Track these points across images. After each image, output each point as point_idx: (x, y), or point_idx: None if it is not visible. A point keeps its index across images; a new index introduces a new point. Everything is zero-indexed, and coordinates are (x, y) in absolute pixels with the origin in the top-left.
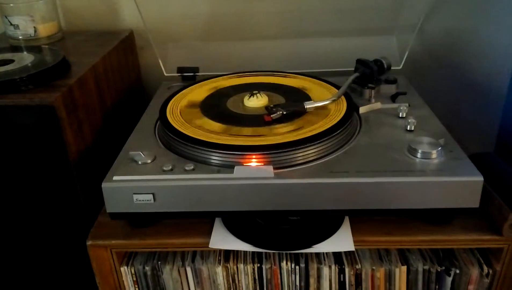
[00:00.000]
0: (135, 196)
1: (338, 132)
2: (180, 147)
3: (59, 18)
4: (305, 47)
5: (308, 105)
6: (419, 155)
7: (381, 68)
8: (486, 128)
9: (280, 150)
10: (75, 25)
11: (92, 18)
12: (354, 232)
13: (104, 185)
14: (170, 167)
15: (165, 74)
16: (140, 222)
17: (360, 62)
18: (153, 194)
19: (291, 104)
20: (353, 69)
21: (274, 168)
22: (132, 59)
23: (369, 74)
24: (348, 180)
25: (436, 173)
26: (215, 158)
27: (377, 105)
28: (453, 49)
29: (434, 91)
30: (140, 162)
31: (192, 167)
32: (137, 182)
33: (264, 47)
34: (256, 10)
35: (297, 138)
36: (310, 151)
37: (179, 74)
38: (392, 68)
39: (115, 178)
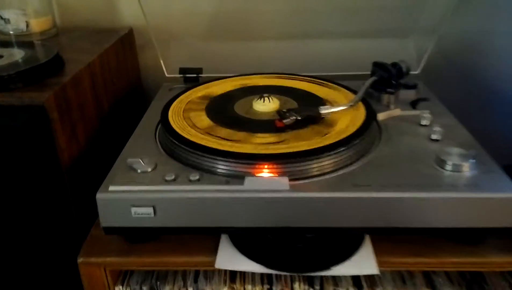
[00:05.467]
0: (134, 209)
1: (359, 139)
2: (184, 154)
3: (53, 13)
4: (315, 48)
5: (324, 110)
6: (449, 167)
7: (399, 72)
8: (508, 137)
9: (297, 160)
10: (70, 21)
11: (89, 14)
12: (376, 252)
13: (99, 196)
14: (173, 177)
15: (167, 75)
16: (138, 237)
17: (377, 65)
18: (153, 207)
19: (305, 109)
20: (366, 72)
21: (290, 180)
22: (131, 59)
23: (387, 78)
24: (372, 194)
25: (469, 189)
26: (223, 167)
27: (397, 112)
28: (471, 53)
29: (451, 97)
30: (139, 171)
31: (197, 177)
32: (136, 193)
33: (272, 47)
34: (264, 8)
35: (315, 146)
36: (329, 161)
37: (181, 75)
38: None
39: (111, 188)
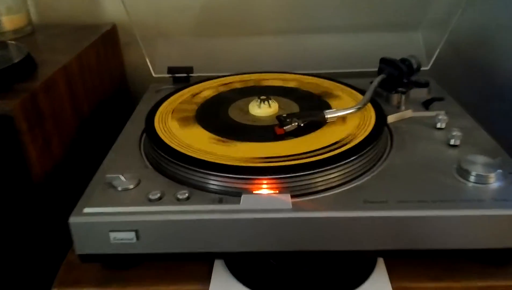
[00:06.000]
0: (112, 234)
1: (371, 147)
2: (170, 168)
3: (28, 9)
4: (316, 44)
5: (329, 115)
6: (472, 178)
7: (409, 69)
8: None
9: (301, 173)
10: (48, 18)
11: (69, 10)
12: (392, 276)
13: (73, 220)
14: (158, 195)
15: (154, 75)
16: (119, 264)
17: (385, 62)
18: (135, 231)
19: (308, 113)
20: (372, 69)
21: (292, 197)
22: (115, 58)
23: (397, 76)
24: (388, 213)
25: (498, 204)
26: (216, 183)
27: (408, 113)
28: (484, 48)
29: (462, 95)
30: (119, 188)
31: (186, 195)
32: (115, 216)
33: (269, 43)
34: (260, 1)
35: (322, 157)
36: (337, 174)
37: (170, 75)
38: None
39: (86, 210)
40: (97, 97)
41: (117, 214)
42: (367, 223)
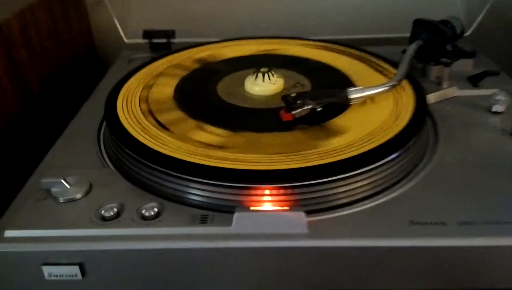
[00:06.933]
0: (47, 269)
1: (414, 141)
2: (135, 169)
3: None
4: (332, 3)
5: (354, 94)
6: None
7: (452, 34)
8: None
9: (319, 181)
10: None
11: None
12: None
13: None
14: (115, 211)
15: (126, 41)
16: None
17: (420, 24)
18: (80, 264)
19: (325, 92)
20: (402, 35)
21: (306, 214)
22: (78, 20)
23: (438, 42)
24: (451, 241)
25: None
26: (198, 193)
27: (452, 91)
28: None
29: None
30: (60, 199)
31: (155, 209)
32: (51, 244)
33: (270, 2)
34: None
35: (347, 156)
36: (371, 180)
37: (147, 41)
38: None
39: (7, 233)
40: (51, 69)
41: (53, 239)
42: (415, 255)
